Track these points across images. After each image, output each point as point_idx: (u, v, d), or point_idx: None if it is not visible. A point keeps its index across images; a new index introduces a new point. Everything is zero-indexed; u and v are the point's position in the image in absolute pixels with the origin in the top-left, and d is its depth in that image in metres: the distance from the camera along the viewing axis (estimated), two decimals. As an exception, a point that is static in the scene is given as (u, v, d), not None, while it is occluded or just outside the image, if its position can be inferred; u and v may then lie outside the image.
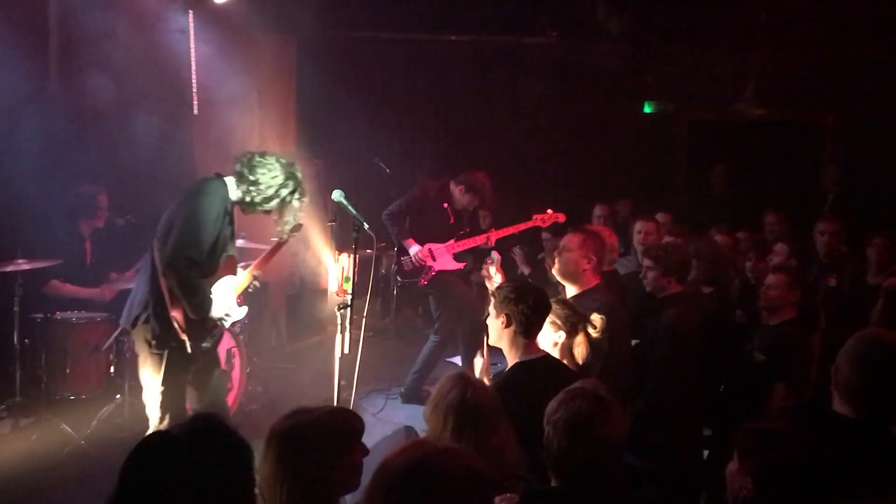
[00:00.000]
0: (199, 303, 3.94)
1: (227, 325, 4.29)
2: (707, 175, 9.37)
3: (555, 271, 4.47)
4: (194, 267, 3.89)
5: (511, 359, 3.55)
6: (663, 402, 4.28)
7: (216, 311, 4.10)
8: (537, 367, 3.49)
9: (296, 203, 4.10)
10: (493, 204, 7.20)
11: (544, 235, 7.54)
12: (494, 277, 4.33)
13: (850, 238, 6.23)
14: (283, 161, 4.06)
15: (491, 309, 3.63)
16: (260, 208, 4.06)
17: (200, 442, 1.87)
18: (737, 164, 9.28)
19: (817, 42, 8.66)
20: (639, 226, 6.13)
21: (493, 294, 3.64)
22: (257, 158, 4.02)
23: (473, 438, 2.70)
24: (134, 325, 4.07)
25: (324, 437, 2.39)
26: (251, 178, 3.98)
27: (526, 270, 7.65)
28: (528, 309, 3.47)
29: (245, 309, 4.40)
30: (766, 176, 9.01)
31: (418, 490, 1.87)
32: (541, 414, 2.72)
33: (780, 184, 8.80)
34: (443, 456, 1.94)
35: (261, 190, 3.98)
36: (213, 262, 4.08)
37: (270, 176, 3.99)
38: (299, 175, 4.11)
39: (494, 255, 4.54)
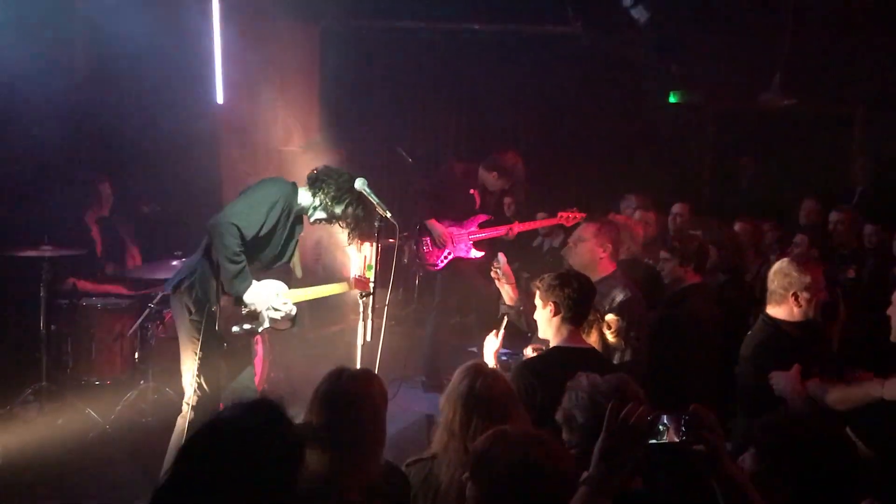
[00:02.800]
0: (235, 272, 4.04)
1: (267, 323, 4.32)
2: (734, 166, 9.26)
3: (571, 262, 4.46)
4: (238, 237, 4.00)
5: (555, 343, 3.56)
6: (682, 392, 4.25)
7: (255, 300, 4.16)
8: (582, 357, 3.47)
9: (360, 212, 4.26)
10: (526, 184, 7.16)
11: (539, 215, 7.60)
12: (503, 279, 4.33)
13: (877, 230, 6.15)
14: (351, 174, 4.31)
15: (537, 301, 3.62)
16: (329, 209, 4.23)
17: (259, 432, 1.90)
18: (764, 155, 9.16)
19: (847, 31, 8.50)
20: (637, 215, 6.17)
21: (536, 286, 3.64)
22: (330, 167, 4.34)
23: (482, 428, 2.70)
24: (176, 289, 4.18)
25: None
26: (324, 178, 4.23)
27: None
28: (574, 293, 3.51)
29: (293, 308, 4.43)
30: (793, 168, 8.89)
31: (520, 485, 2.04)
32: None
33: (808, 176, 8.67)
34: (538, 451, 2.09)
35: (332, 191, 4.21)
36: (263, 251, 4.21)
37: (339, 179, 4.24)
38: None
39: (500, 257, 4.54)
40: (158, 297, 5.62)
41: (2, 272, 5.51)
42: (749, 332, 3.84)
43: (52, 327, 5.44)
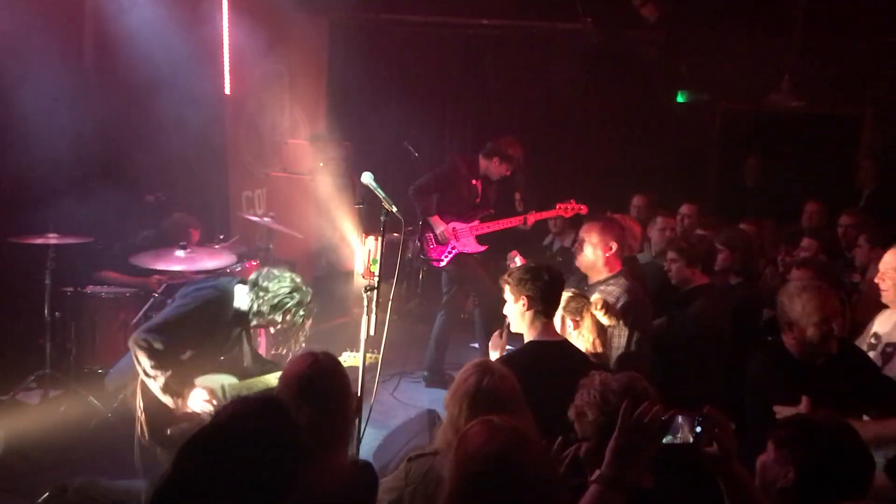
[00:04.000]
0: (157, 388, 3.86)
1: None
2: (740, 167, 9.25)
3: (577, 263, 4.47)
4: (154, 355, 3.84)
5: (530, 337, 3.56)
6: (689, 393, 4.25)
7: (186, 400, 3.94)
8: (553, 350, 3.49)
9: (298, 318, 4.14)
10: (526, 171, 7.16)
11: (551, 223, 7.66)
12: None
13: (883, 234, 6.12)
14: (294, 277, 4.18)
15: (508, 296, 3.62)
16: (266, 317, 4.10)
17: (263, 430, 1.91)
18: (770, 156, 9.14)
19: (856, 33, 8.48)
20: (661, 222, 6.13)
21: (506, 280, 3.63)
22: (272, 271, 4.16)
23: None
24: (121, 390, 4.19)
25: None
26: (262, 284, 4.09)
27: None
28: (545, 285, 3.51)
29: None
30: (800, 169, 8.87)
31: (499, 485, 2.01)
32: (550, 397, 2.74)
33: (815, 177, 8.66)
34: (520, 450, 2.07)
35: (268, 298, 4.07)
36: (196, 357, 4.03)
37: (279, 285, 4.10)
38: (307, 294, 4.18)
39: (518, 258, 4.53)
40: (163, 286, 5.63)
41: (7, 260, 5.52)
42: (753, 357, 3.64)
43: (57, 315, 5.45)
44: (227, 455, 1.83)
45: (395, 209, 4.13)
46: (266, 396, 2.02)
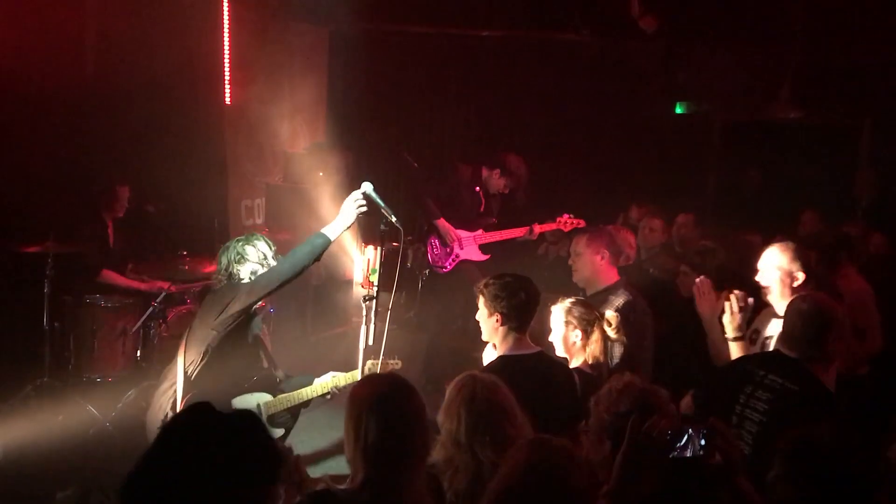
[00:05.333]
0: (311, 251, 4.23)
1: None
2: (739, 178, 9.25)
3: (574, 279, 4.46)
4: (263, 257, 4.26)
5: (501, 352, 3.55)
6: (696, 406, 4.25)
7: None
8: (527, 363, 3.46)
9: (256, 247, 4.31)
10: (526, 188, 7.18)
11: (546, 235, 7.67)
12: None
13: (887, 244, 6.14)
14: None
15: (481, 307, 3.61)
16: (249, 276, 4.26)
17: (236, 438, 1.86)
18: (770, 167, 9.15)
19: (855, 43, 8.50)
20: (645, 221, 6.15)
21: (481, 291, 3.60)
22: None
23: (489, 431, 2.70)
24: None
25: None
26: (226, 268, 4.27)
27: None
28: (520, 303, 3.48)
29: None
30: (799, 180, 8.87)
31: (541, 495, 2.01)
32: (527, 409, 2.76)
33: (814, 188, 8.66)
34: (562, 461, 2.08)
35: (229, 263, 4.26)
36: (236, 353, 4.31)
37: (223, 253, 4.31)
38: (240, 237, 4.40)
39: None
40: (162, 295, 5.63)
41: (7, 268, 5.53)
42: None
43: (56, 324, 5.45)
44: (197, 452, 1.79)
45: (394, 219, 4.14)
46: (246, 410, 1.98)
